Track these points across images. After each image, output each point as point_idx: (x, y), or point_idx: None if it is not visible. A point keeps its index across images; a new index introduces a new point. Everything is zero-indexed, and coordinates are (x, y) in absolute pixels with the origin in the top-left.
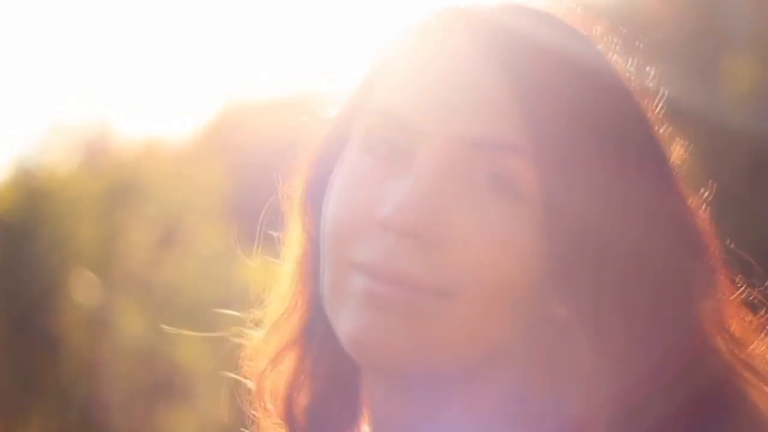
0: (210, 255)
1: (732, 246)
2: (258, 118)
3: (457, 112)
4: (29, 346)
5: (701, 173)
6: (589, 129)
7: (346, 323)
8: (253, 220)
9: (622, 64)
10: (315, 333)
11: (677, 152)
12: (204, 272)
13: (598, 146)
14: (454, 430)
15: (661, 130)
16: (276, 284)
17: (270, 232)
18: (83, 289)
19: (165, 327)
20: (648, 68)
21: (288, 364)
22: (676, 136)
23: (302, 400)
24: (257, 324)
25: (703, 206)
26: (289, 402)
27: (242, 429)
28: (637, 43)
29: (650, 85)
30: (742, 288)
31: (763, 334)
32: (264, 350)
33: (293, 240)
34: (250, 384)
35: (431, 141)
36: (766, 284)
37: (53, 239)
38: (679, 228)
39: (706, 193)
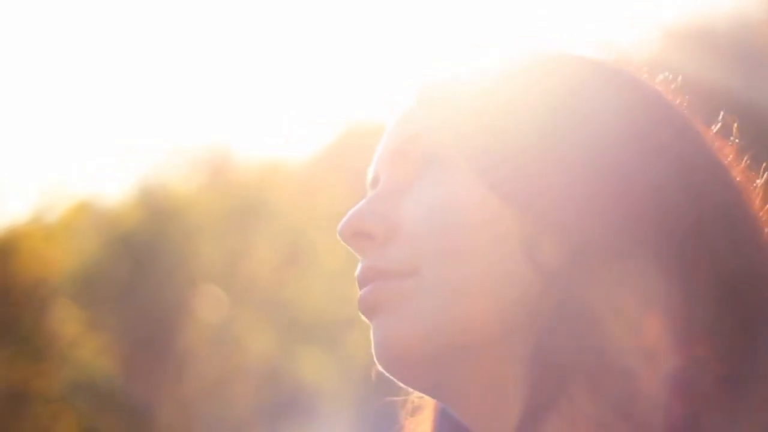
0: (334, 273)
1: None
2: (378, 138)
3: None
4: (156, 362)
5: None
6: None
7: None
8: None
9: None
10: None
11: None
12: (328, 290)
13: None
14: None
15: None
16: None
17: None
18: (208, 307)
19: (290, 344)
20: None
21: None
22: None
23: None
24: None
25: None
26: None
27: None
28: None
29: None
30: None
31: None
32: None
33: None
34: None
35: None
36: None
37: (178, 257)
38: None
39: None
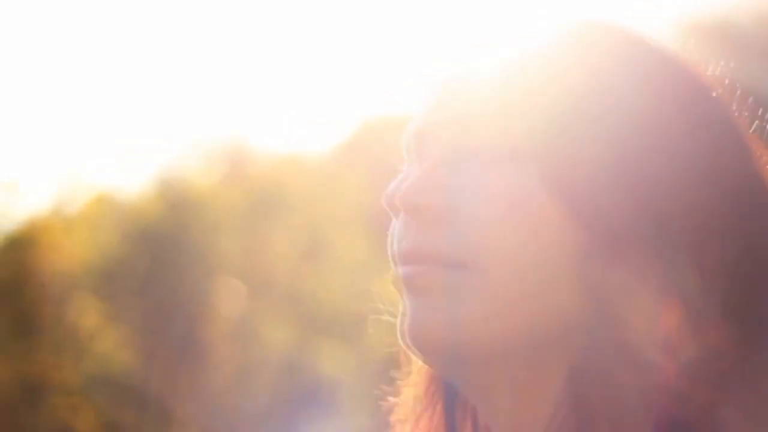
0: (352, 266)
1: None
2: (398, 132)
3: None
4: (175, 355)
5: None
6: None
7: (403, 321)
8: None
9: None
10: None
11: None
12: (346, 283)
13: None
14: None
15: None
16: None
17: None
18: (227, 300)
19: (308, 337)
20: None
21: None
22: None
23: None
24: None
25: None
26: None
27: None
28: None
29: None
30: None
31: None
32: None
33: None
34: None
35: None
36: None
37: (197, 250)
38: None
39: None
